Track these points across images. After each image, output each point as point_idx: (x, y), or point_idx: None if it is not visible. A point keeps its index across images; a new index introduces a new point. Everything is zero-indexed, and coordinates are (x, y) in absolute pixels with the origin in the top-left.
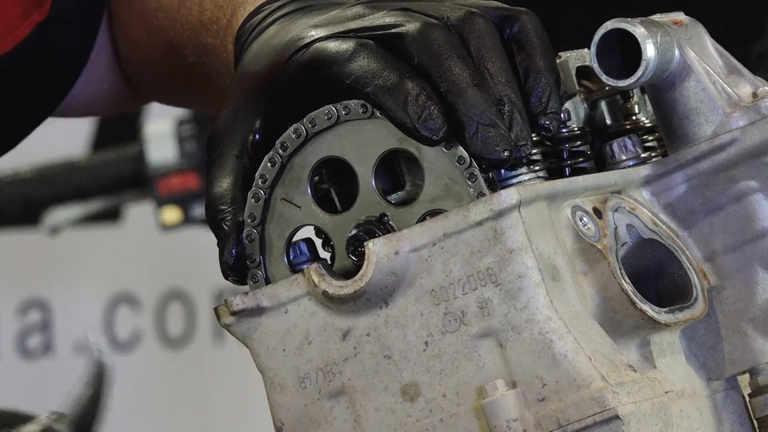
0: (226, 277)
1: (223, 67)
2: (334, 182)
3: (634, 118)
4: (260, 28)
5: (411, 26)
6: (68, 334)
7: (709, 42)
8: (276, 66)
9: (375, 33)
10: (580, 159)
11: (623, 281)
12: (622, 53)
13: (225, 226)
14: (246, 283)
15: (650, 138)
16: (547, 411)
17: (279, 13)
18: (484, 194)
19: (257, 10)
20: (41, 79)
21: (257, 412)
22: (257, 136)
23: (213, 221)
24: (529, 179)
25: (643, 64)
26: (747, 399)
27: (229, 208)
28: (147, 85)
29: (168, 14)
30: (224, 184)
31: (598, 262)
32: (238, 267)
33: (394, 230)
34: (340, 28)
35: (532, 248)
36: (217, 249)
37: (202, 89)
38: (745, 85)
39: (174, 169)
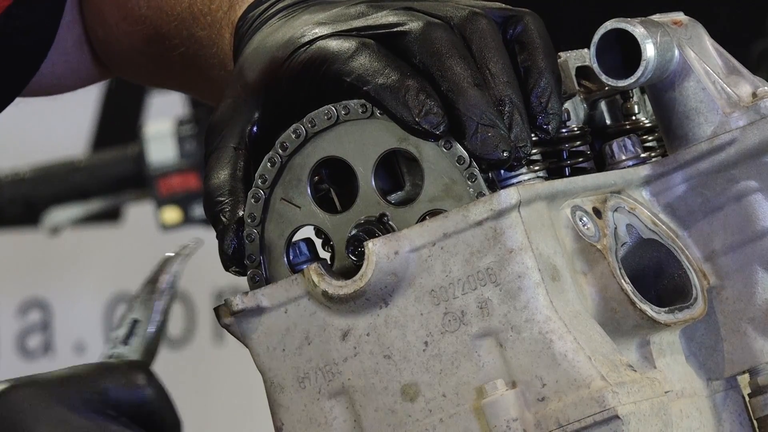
0: (226, 268)
1: (215, 59)
2: (334, 182)
3: (633, 118)
4: (261, 20)
5: (413, 25)
6: (68, 334)
7: (708, 42)
8: (277, 62)
9: (377, 32)
10: (580, 159)
11: (623, 281)
12: (622, 53)
13: (223, 218)
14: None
15: (650, 138)
16: (547, 411)
17: (280, 5)
18: (483, 194)
19: (258, 1)
20: (8, 63)
21: (257, 412)
22: (255, 129)
23: (211, 213)
24: (528, 179)
25: (643, 64)
26: (747, 399)
27: (227, 199)
28: (124, 66)
29: (152, 4)
30: (222, 175)
31: (598, 262)
32: (238, 258)
33: (394, 230)
34: (343, 27)
35: (531, 248)
36: (217, 243)
37: (190, 77)
38: (745, 85)
39: (174, 169)
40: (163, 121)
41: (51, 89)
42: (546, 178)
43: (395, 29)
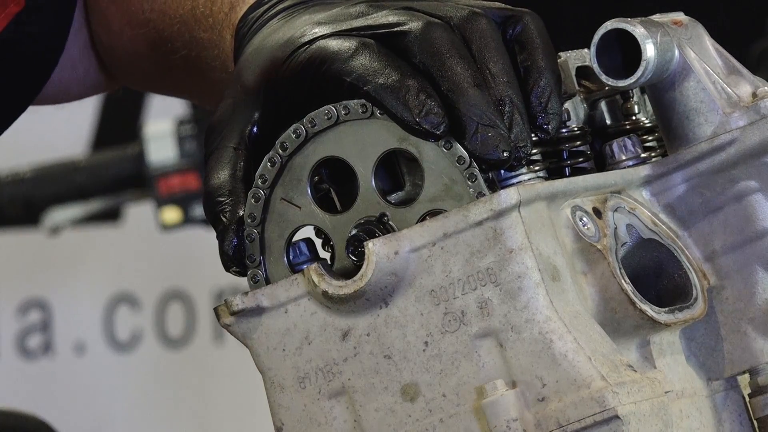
0: (227, 268)
1: (217, 61)
2: (334, 182)
3: (634, 118)
4: (261, 21)
5: (413, 25)
6: (68, 334)
7: (709, 42)
8: (277, 61)
9: (377, 32)
10: (580, 159)
11: (623, 281)
12: (622, 53)
13: (224, 218)
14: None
15: (650, 138)
16: (547, 411)
17: (281, 6)
18: (483, 194)
19: (259, 3)
20: (20, 70)
21: (257, 412)
22: (255, 129)
23: (212, 213)
24: (529, 179)
25: (643, 64)
26: (747, 399)
27: (227, 199)
28: (128, 73)
29: (156, 7)
30: (222, 175)
31: (598, 262)
32: (238, 258)
33: (394, 230)
34: (343, 26)
35: (531, 248)
36: (217, 243)
37: (192, 81)
38: (745, 85)
39: (174, 169)
40: (163, 121)
41: (57, 97)
42: (546, 178)
43: (395, 29)
